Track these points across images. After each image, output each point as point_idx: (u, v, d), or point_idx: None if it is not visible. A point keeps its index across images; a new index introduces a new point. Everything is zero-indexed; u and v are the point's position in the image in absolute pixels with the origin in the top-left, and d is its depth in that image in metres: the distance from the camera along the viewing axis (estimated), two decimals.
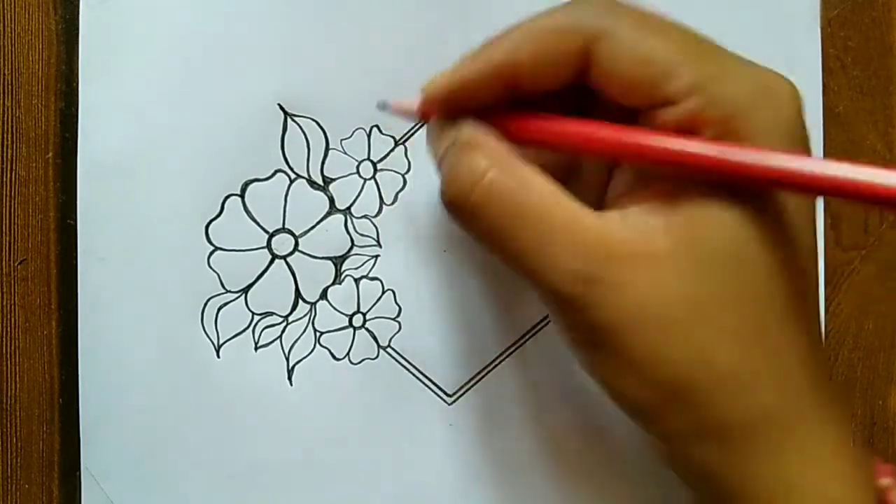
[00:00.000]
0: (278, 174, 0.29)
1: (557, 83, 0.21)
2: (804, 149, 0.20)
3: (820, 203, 0.30)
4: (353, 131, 0.29)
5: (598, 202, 0.23)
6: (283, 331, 0.29)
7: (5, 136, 0.28)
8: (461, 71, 0.22)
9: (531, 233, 0.20)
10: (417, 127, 0.29)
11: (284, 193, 0.29)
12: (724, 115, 0.19)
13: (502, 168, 0.20)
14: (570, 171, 0.23)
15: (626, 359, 0.19)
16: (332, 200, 0.29)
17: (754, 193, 0.19)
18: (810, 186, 0.18)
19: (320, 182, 0.29)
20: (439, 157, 0.22)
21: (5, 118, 0.28)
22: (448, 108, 0.22)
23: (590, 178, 0.23)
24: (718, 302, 0.19)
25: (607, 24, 0.20)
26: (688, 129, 0.19)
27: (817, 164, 0.18)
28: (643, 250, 0.19)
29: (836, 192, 0.18)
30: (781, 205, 0.20)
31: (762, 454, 0.19)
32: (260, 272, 0.29)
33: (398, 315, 0.29)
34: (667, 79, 0.19)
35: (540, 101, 0.21)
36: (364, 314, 0.29)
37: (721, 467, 0.19)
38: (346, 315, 0.29)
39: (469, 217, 0.21)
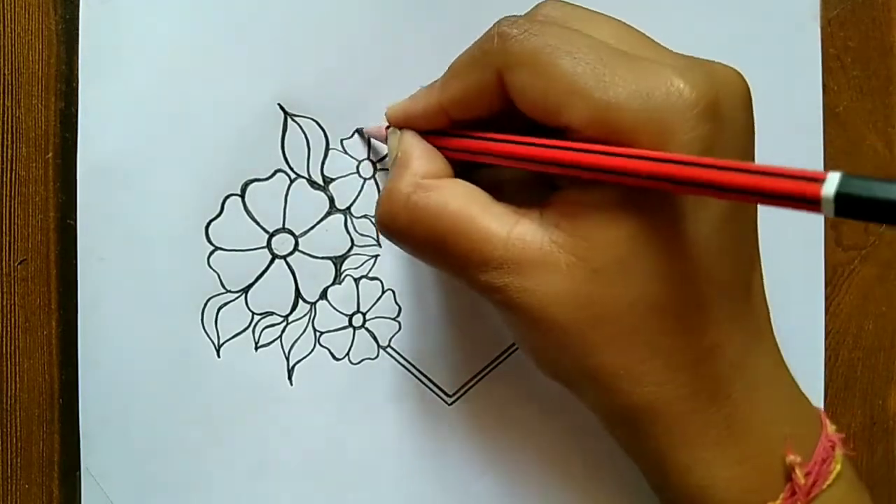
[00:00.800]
0: (278, 174, 0.29)
1: (488, 111, 0.23)
2: (745, 140, 0.21)
3: None
4: (353, 131, 0.29)
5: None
6: (283, 331, 0.29)
7: (5, 136, 0.28)
8: (412, 103, 0.25)
9: (454, 251, 0.22)
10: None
11: (284, 193, 0.29)
12: (625, 139, 0.20)
13: (424, 190, 0.23)
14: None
15: (539, 352, 0.23)
16: (332, 200, 0.29)
17: (653, 202, 0.20)
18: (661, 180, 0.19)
19: (320, 182, 0.29)
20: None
21: (5, 118, 0.28)
22: (406, 126, 0.25)
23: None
24: (602, 309, 0.21)
25: (511, 58, 0.21)
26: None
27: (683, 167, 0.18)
28: (541, 260, 0.21)
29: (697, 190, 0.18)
30: (681, 213, 0.20)
31: (658, 440, 0.22)
32: (260, 272, 0.29)
33: (398, 315, 0.29)
34: (562, 111, 0.20)
35: (496, 121, 0.23)
36: (364, 314, 0.29)
37: (632, 446, 0.23)
38: (346, 315, 0.29)
39: (398, 240, 0.23)
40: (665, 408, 0.21)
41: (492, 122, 0.23)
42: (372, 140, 0.29)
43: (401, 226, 0.23)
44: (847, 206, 0.16)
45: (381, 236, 0.29)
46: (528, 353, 0.23)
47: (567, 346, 0.21)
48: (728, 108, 0.20)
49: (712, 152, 0.20)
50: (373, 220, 0.29)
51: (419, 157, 0.24)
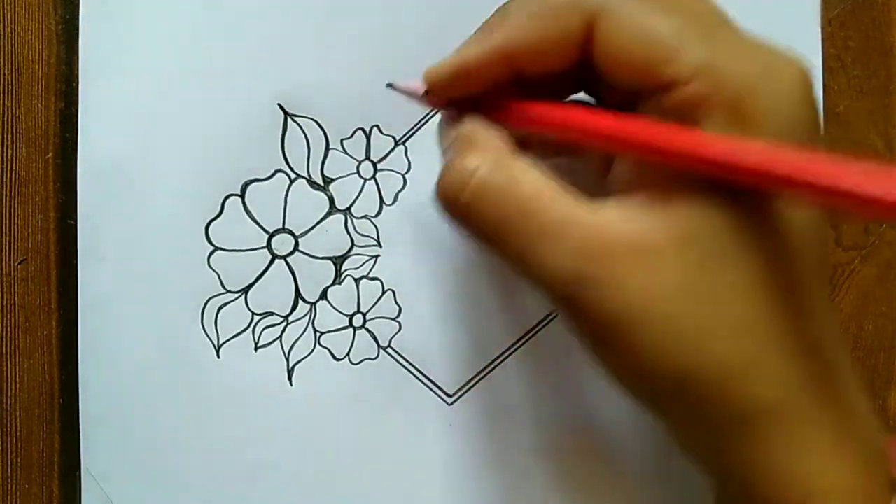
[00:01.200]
0: (278, 174, 0.29)
1: (560, 64, 0.20)
2: (812, 130, 0.19)
3: None
4: (353, 131, 0.29)
5: (600, 188, 0.22)
6: (283, 331, 0.29)
7: (5, 136, 0.28)
8: (461, 55, 0.21)
9: (524, 232, 0.19)
10: (418, 127, 0.29)
11: (284, 193, 0.29)
12: (729, 98, 0.18)
13: (494, 166, 0.20)
14: (573, 154, 0.23)
15: (626, 354, 0.19)
16: (332, 200, 0.29)
17: (754, 192, 0.19)
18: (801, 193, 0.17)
19: (320, 182, 0.29)
20: (443, 152, 0.22)
21: (5, 118, 0.28)
22: (451, 92, 0.22)
23: (592, 164, 0.23)
24: (714, 296, 0.19)
25: (608, 1, 0.19)
26: (692, 112, 0.19)
27: (810, 171, 0.17)
28: (639, 246, 0.19)
29: (831, 204, 0.17)
30: (780, 208, 0.19)
31: (761, 443, 0.19)
32: (260, 272, 0.29)
33: (398, 315, 0.29)
34: (668, 61, 0.19)
35: (547, 83, 0.21)
36: (364, 314, 0.29)
37: (724, 455, 0.20)
38: (346, 315, 0.29)
39: (460, 216, 0.21)
40: (787, 406, 0.19)
41: (552, 84, 0.21)
42: (372, 140, 0.29)
43: (464, 204, 0.20)
44: None
45: (381, 237, 0.29)
46: (610, 363, 0.20)
47: (673, 344, 0.19)
48: (813, 97, 0.20)
49: (813, 132, 0.19)
50: (373, 220, 0.29)
51: (485, 135, 0.21)
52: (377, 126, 0.29)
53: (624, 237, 0.19)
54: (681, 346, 0.19)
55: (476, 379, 0.29)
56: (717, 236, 0.19)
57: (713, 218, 0.19)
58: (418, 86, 0.23)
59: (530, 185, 0.20)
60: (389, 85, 0.24)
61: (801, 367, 0.19)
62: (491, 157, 0.20)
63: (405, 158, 0.29)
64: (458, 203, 0.20)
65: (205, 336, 0.28)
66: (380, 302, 0.29)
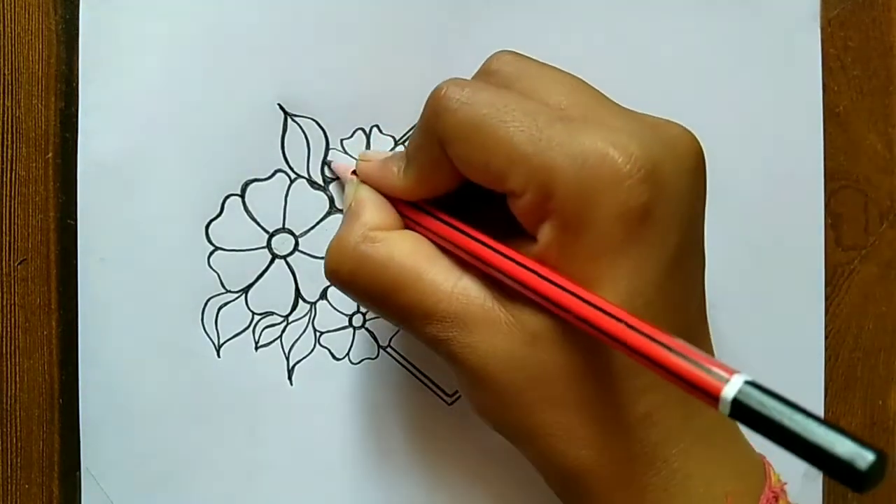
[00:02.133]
0: (278, 174, 0.29)
1: (450, 185, 0.23)
2: (642, 227, 0.20)
3: (820, 203, 0.30)
4: (353, 131, 0.29)
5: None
6: (283, 331, 0.29)
7: (5, 136, 0.28)
8: (378, 174, 0.25)
9: (396, 304, 0.22)
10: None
11: (284, 193, 0.29)
12: (558, 207, 0.20)
13: (371, 240, 0.23)
14: None
15: (481, 406, 0.23)
16: (332, 200, 0.29)
17: None
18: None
19: (320, 182, 0.29)
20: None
21: (5, 118, 0.28)
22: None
23: None
24: (547, 372, 0.21)
25: (448, 132, 0.21)
26: (534, 218, 0.21)
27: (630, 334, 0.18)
28: (484, 319, 0.21)
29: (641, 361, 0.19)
30: None
31: (597, 501, 0.21)
32: (260, 272, 0.29)
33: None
34: (505, 173, 0.20)
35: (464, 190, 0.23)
36: (364, 314, 0.29)
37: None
38: (346, 315, 0.29)
39: (342, 286, 0.24)
40: (601, 472, 0.21)
41: (461, 192, 0.23)
42: (372, 140, 0.29)
43: (346, 275, 0.23)
44: (741, 412, 0.16)
45: None
46: (472, 406, 0.23)
47: (506, 403, 0.21)
48: (671, 176, 0.20)
49: (647, 222, 0.20)
50: None
51: (370, 209, 0.24)
52: (377, 126, 0.29)
53: (473, 307, 0.21)
54: (512, 407, 0.21)
55: None
56: (541, 329, 0.21)
57: (539, 315, 0.21)
58: (349, 166, 0.27)
59: (403, 259, 0.22)
60: (326, 163, 0.28)
61: (616, 444, 0.21)
62: (369, 231, 0.23)
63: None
64: (340, 273, 0.23)
65: (205, 336, 0.29)
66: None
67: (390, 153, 0.25)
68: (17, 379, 0.29)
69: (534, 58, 0.24)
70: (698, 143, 0.22)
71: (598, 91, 0.23)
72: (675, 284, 0.21)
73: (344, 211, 0.25)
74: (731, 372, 0.17)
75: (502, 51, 0.24)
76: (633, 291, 0.20)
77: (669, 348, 0.18)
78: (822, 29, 0.30)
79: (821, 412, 0.30)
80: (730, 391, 0.17)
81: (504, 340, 0.21)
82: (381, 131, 0.29)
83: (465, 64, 0.29)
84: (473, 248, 0.22)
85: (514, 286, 0.21)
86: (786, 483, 0.23)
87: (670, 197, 0.20)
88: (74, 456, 0.28)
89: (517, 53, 0.24)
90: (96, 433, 0.28)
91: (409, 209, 0.24)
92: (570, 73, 0.23)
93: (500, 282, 0.21)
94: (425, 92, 0.29)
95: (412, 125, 0.29)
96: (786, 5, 0.30)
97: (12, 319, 0.28)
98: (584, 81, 0.23)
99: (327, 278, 0.24)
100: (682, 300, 0.22)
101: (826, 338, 0.30)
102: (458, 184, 0.23)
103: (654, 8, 0.29)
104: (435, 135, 0.22)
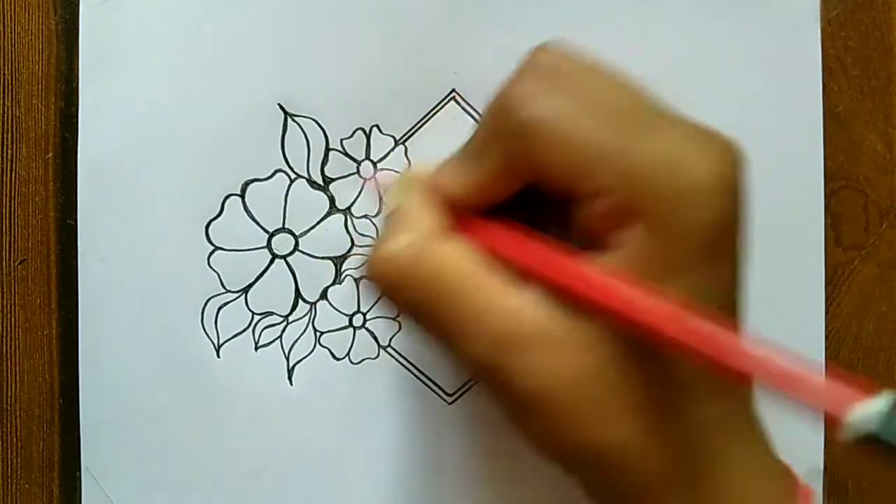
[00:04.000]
0: (278, 174, 0.29)
1: (508, 192, 0.22)
2: (729, 220, 0.20)
3: (820, 203, 0.30)
4: (353, 131, 0.29)
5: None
6: (283, 331, 0.29)
7: (5, 136, 0.28)
8: (432, 177, 0.23)
9: (445, 317, 0.21)
10: (418, 127, 0.29)
11: (284, 193, 0.29)
12: (645, 209, 0.19)
13: (422, 249, 0.21)
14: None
15: (531, 430, 0.21)
16: (332, 200, 0.29)
17: None
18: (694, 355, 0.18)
19: (320, 182, 0.29)
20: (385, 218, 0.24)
21: (5, 118, 0.28)
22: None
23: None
24: (616, 387, 0.20)
25: (526, 129, 0.20)
26: (615, 222, 0.20)
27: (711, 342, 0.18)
28: (546, 336, 0.20)
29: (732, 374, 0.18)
30: None
31: None
32: (260, 272, 0.29)
33: (398, 315, 0.29)
34: (587, 173, 0.19)
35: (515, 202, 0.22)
36: (364, 314, 0.29)
37: None
38: (347, 315, 0.29)
39: (386, 295, 0.22)
40: (658, 483, 0.21)
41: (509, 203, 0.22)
42: (372, 140, 0.29)
43: (391, 283, 0.21)
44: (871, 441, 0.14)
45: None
46: (522, 435, 0.22)
47: (569, 425, 0.20)
48: (742, 185, 0.20)
49: (734, 232, 0.20)
50: (373, 220, 0.29)
51: (420, 214, 0.22)
52: (377, 126, 0.29)
53: (533, 327, 0.20)
54: (576, 428, 0.20)
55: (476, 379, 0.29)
56: (611, 346, 0.20)
57: (608, 331, 0.20)
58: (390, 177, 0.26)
59: (454, 270, 0.21)
60: (372, 179, 0.28)
61: (675, 453, 0.21)
62: (420, 238, 0.21)
63: (405, 158, 0.29)
64: (384, 281, 0.21)
65: (205, 336, 0.29)
66: (380, 302, 0.29)
67: (436, 163, 0.24)
68: (17, 379, 0.29)
69: (576, 50, 0.22)
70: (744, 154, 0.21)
71: (642, 88, 0.22)
72: (739, 292, 0.21)
73: (386, 218, 0.24)
74: (865, 392, 0.15)
75: (547, 43, 0.22)
76: (711, 299, 0.20)
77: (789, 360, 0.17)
78: (822, 29, 0.30)
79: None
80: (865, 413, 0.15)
81: (569, 360, 0.20)
82: (381, 131, 0.29)
83: (465, 64, 0.29)
84: (541, 257, 0.20)
85: (597, 301, 0.19)
86: (814, 491, 0.23)
87: (740, 208, 0.20)
88: (74, 456, 0.28)
89: (560, 51, 0.22)
90: (96, 433, 0.28)
91: (463, 216, 0.22)
92: (613, 70, 0.22)
93: (570, 296, 0.20)
94: (425, 92, 0.29)
95: (412, 125, 0.29)
96: (786, 5, 0.30)
97: (12, 319, 0.28)
98: (627, 78, 0.22)
99: (369, 283, 0.22)
100: (740, 307, 0.22)
101: (826, 338, 0.30)
102: (517, 189, 0.22)
103: (654, 8, 0.29)
104: (505, 133, 0.20)
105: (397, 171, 0.29)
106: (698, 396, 0.21)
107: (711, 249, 0.19)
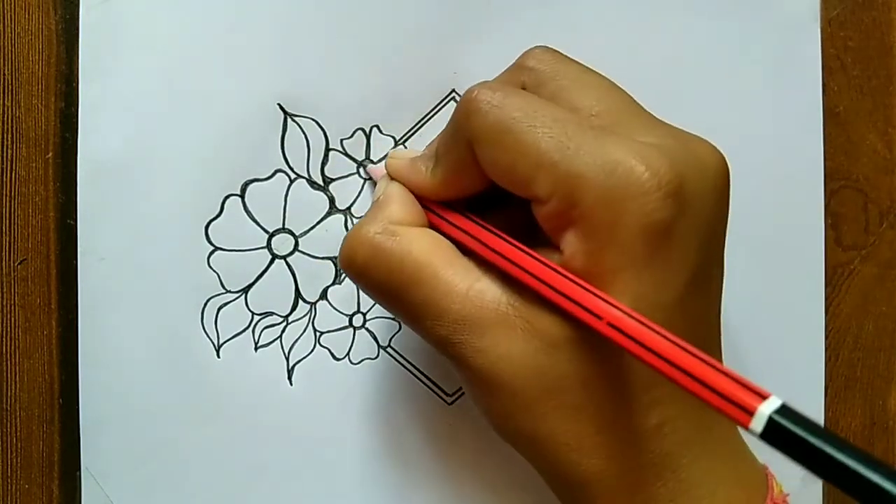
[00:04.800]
0: (278, 174, 0.29)
1: (476, 188, 0.23)
2: (668, 241, 0.20)
3: (820, 203, 0.30)
4: (353, 131, 0.29)
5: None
6: (283, 331, 0.29)
7: (5, 136, 0.28)
8: (406, 171, 0.25)
9: (410, 300, 0.22)
10: (418, 126, 0.29)
11: (284, 193, 0.29)
12: (583, 214, 0.20)
13: (390, 233, 0.22)
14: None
15: (489, 409, 0.22)
16: (332, 200, 0.29)
17: None
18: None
19: (320, 182, 0.29)
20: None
21: (5, 118, 0.28)
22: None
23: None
24: (563, 382, 0.20)
25: (477, 133, 0.21)
26: (558, 225, 0.21)
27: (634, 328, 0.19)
28: (499, 323, 0.21)
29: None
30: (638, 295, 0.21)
31: None
32: (260, 272, 0.29)
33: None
34: (531, 179, 0.20)
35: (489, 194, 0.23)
36: (364, 314, 0.29)
37: None
38: (347, 315, 0.29)
39: (355, 276, 0.23)
40: (611, 481, 0.21)
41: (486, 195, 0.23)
42: (372, 140, 0.29)
43: (360, 265, 0.23)
44: (773, 433, 0.16)
45: None
46: (482, 412, 0.23)
47: (517, 410, 0.21)
48: (695, 195, 0.20)
49: (670, 238, 0.20)
50: None
51: (395, 203, 0.24)
52: (377, 126, 0.29)
53: (488, 310, 0.21)
54: (523, 415, 0.21)
55: None
56: (571, 329, 0.20)
57: (559, 322, 0.20)
58: (383, 169, 0.26)
59: (421, 254, 0.22)
60: (362, 164, 0.29)
61: (627, 453, 0.21)
62: (390, 224, 0.23)
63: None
64: (355, 261, 0.23)
65: (205, 336, 0.29)
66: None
67: (420, 152, 0.25)
68: (17, 379, 0.29)
69: (570, 57, 0.23)
70: (725, 162, 0.22)
71: (630, 97, 0.23)
72: (695, 300, 0.21)
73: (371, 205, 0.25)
74: (767, 394, 0.17)
75: (539, 47, 0.24)
76: (654, 305, 0.20)
77: (706, 362, 0.18)
78: (822, 29, 0.30)
79: (821, 412, 0.30)
80: (766, 410, 0.17)
81: (520, 346, 0.21)
82: (381, 131, 0.29)
83: (464, 64, 0.29)
84: (497, 246, 0.22)
85: (539, 287, 0.20)
86: (788, 494, 0.23)
87: (695, 214, 0.20)
88: (74, 456, 0.28)
89: (554, 51, 0.24)
90: (96, 433, 0.28)
91: (436, 207, 0.24)
92: (604, 77, 0.23)
93: (522, 285, 0.21)
94: (425, 92, 0.29)
95: (412, 125, 0.29)
96: (786, 5, 0.30)
97: (12, 319, 0.28)
98: (616, 86, 0.23)
99: (341, 266, 0.24)
100: (700, 315, 0.22)
101: (826, 338, 0.30)
102: (484, 187, 0.23)
103: (654, 8, 0.29)
104: (464, 136, 0.22)
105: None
106: (656, 398, 0.21)
107: (646, 254, 0.20)
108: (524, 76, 0.23)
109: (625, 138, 0.20)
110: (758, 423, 0.17)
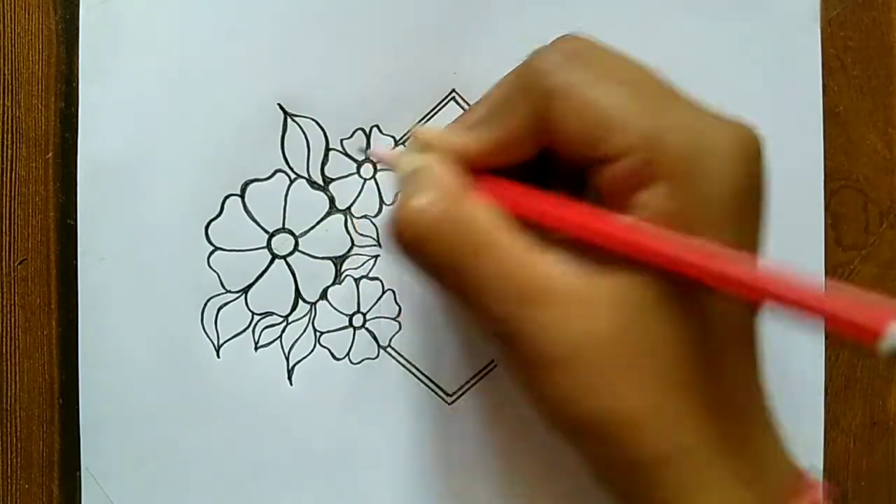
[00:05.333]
0: (278, 174, 0.29)
1: (524, 156, 0.22)
2: (751, 198, 0.20)
3: (820, 203, 0.30)
4: (353, 131, 0.29)
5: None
6: (283, 331, 0.29)
7: (5, 136, 0.28)
8: (446, 137, 0.22)
9: (475, 270, 0.20)
10: (418, 126, 0.29)
11: (284, 193, 0.29)
12: (667, 169, 0.19)
13: (451, 203, 0.21)
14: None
15: (550, 391, 0.20)
16: (332, 200, 0.29)
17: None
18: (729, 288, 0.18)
19: (320, 182, 0.29)
20: (400, 181, 0.23)
21: (5, 118, 0.28)
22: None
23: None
24: (652, 348, 0.20)
25: (553, 89, 0.20)
26: (636, 183, 0.20)
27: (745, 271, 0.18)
28: (575, 296, 0.20)
29: (766, 300, 0.18)
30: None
31: (662, 485, 0.20)
32: (260, 272, 0.29)
33: (398, 315, 0.29)
34: (609, 136, 0.20)
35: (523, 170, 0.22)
36: (364, 314, 0.29)
37: (630, 495, 0.21)
38: (347, 315, 0.29)
39: (414, 249, 0.21)
40: (694, 455, 0.20)
41: (517, 171, 0.22)
42: (372, 140, 0.29)
43: (418, 237, 0.21)
44: None
45: (381, 237, 0.29)
46: (535, 400, 0.21)
47: (596, 387, 0.20)
48: (762, 159, 0.21)
49: (757, 197, 0.20)
50: (373, 220, 0.29)
51: (442, 170, 0.22)
52: (377, 126, 0.29)
53: (563, 284, 0.20)
54: (598, 391, 0.20)
55: (476, 379, 0.29)
56: (656, 291, 0.20)
57: (643, 280, 0.20)
58: (392, 150, 0.24)
59: (482, 226, 0.20)
60: (360, 149, 0.27)
61: (713, 421, 0.20)
62: (446, 195, 0.21)
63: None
64: (411, 237, 0.21)
65: (205, 336, 0.29)
66: (380, 302, 0.29)
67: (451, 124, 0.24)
68: (17, 379, 0.29)
69: (603, 43, 0.22)
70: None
71: (668, 81, 0.22)
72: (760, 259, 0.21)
73: (400, 181, 0.23)
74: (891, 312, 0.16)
75: (571, 34, 0.23)
76: None
77: (821, 291, 0.17)
78: (822, 29, 0.30)
79: (821, 412, 0.30)
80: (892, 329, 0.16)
81: (605, 317, 0.19)
82: (381, 131, 0.29)
83: (464, 64, 0.29)
84: (567, 213, 0.20)
85: (625, 248, 0.19)
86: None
87: (760, 184, 0.21)
88: (74, 456, 0.28)
89: (586, 38, 0.23)
90: (96, 433, 0.28)
91: (480, 176, 0.22)
92: (639, 61, 0.22)
93: (601, 248, 0.20)
94: (425, 92, 0.29)
95: (412, 125, 0.29)
96: (786, 5, 0.30)
97: (12, 319, 0.28)
98: (654, 70, 0.22)
99: (393, 242, 0.21)
100: None
101: (826, 338, 0.30)
102: (533, 154, 0.22)
103: (654, 8, 0.29)
104: (533, 92, 0.21)
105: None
106: (741, 358, 0.21)
107: (735, 210, 0.20)
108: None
109: (698, 109, 0.20)
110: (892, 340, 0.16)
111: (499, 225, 0.21)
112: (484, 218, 0.21)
